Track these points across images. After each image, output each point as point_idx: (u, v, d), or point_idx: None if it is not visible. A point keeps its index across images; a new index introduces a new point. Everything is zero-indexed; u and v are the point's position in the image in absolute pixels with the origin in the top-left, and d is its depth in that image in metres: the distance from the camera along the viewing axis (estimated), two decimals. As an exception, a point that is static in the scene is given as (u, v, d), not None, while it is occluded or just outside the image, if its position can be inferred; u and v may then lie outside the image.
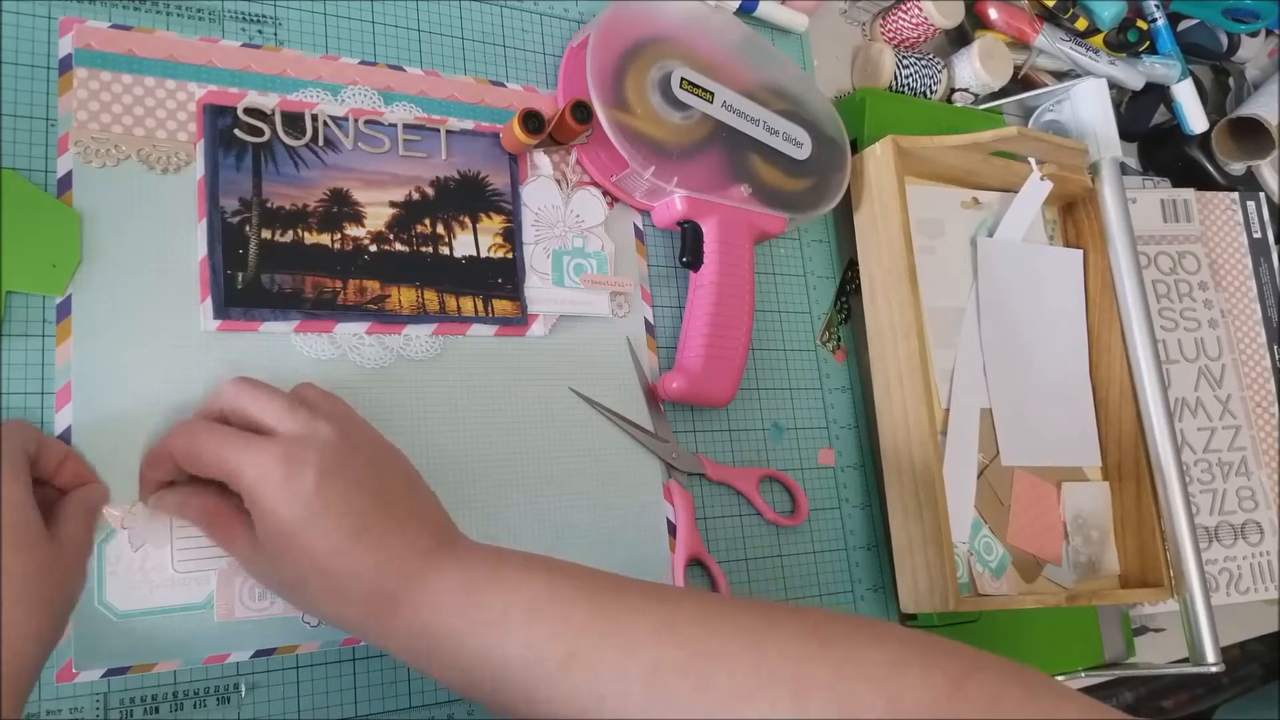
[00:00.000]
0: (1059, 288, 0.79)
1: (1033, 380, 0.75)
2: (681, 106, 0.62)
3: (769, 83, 0.68)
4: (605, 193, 0.64)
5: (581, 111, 0.59)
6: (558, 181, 0.64)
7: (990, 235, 0.76)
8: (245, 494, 0.44)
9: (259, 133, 0.55)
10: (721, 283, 0.63)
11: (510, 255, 0.61)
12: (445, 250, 0.59)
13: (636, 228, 0.67)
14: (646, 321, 0.65)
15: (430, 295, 0.58)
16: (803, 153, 0.67)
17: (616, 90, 0.60)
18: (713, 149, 0.63)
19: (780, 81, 0.69)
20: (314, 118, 0.57)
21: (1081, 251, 0.80)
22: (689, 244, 0.63)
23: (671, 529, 0.62)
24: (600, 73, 0.60)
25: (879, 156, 0.70)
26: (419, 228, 0.59)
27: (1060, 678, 0.74)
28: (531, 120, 0.59)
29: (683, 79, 0.63)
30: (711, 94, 0.63)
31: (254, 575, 0.48)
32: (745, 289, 0.64)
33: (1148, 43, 0.96)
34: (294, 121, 0.56)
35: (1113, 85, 0.89)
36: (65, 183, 0.50)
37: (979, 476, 0.70)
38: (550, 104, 0.65)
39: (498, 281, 0.60)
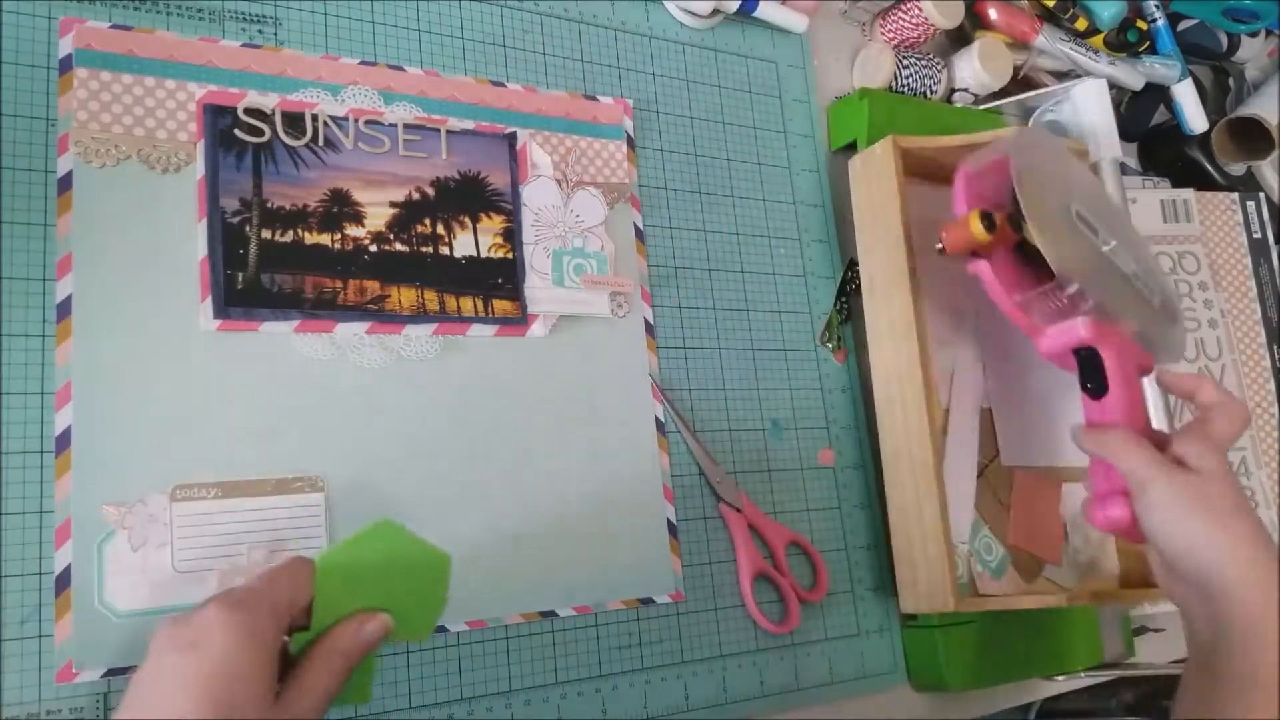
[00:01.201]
0: None
1: (1032, 380, 0.75)
2: (1079, 237, 0.63)
3: (1126, 239, 0.68)
4: (1011, 311, 0.62)
5: (1015, 220, 0.60)
6: (557, 181, 0.64)
7: None
8: None
9: (259, 133, 0.55)
10: (1130, 407, 0.60)
11: (510, 255, 0.61)
12: (445, 250, 0.59)
13: (637, 228, 0.67)
14: (646, 322, 0.65)
15: (430, 295, 0.58)
16: (1156, 302, 0.66)
17: (1039, 211, 0.60)
18: (1106, 286, 0.62)
19: (1132, 237, 0.70)
20: (314, 118, 0.57)
21: None
22: (1090, 370, 0.60)
23: (672, 529, 0.62)
24: (1027, 187, 0.59)
25: (879, 156, 0.70)
26: (419, 228, 0.59)
27: (1060, 678, 0.74)
28: (987, 219, 0.59)
29: (1078, 212, 0.64)
30: (1097, 231, 0.64)
31: None
32: (1142, 414, 0.61)
33: (1148, 43, 0.96)
34: (294, 121, 0.56)
35: (1113, 85, 0.89)
36: (65, 183, 0.50)
37: (979, 477, 0.70)
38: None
39: (498, 281, 0.60)
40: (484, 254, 0.60)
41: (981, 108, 0.86)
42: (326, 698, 0.41)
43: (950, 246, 0.61)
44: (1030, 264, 0.61)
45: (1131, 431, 0.57)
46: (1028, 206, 0.58)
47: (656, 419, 0.64)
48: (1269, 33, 1.09)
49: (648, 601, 0.60)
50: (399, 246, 0.58)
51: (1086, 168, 0.72)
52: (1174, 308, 0.69)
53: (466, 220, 0.60)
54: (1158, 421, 0.78)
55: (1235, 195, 0.95)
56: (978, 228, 0.59)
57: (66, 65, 0.51)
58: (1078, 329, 0.60)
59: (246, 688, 0.37)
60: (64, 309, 0.49)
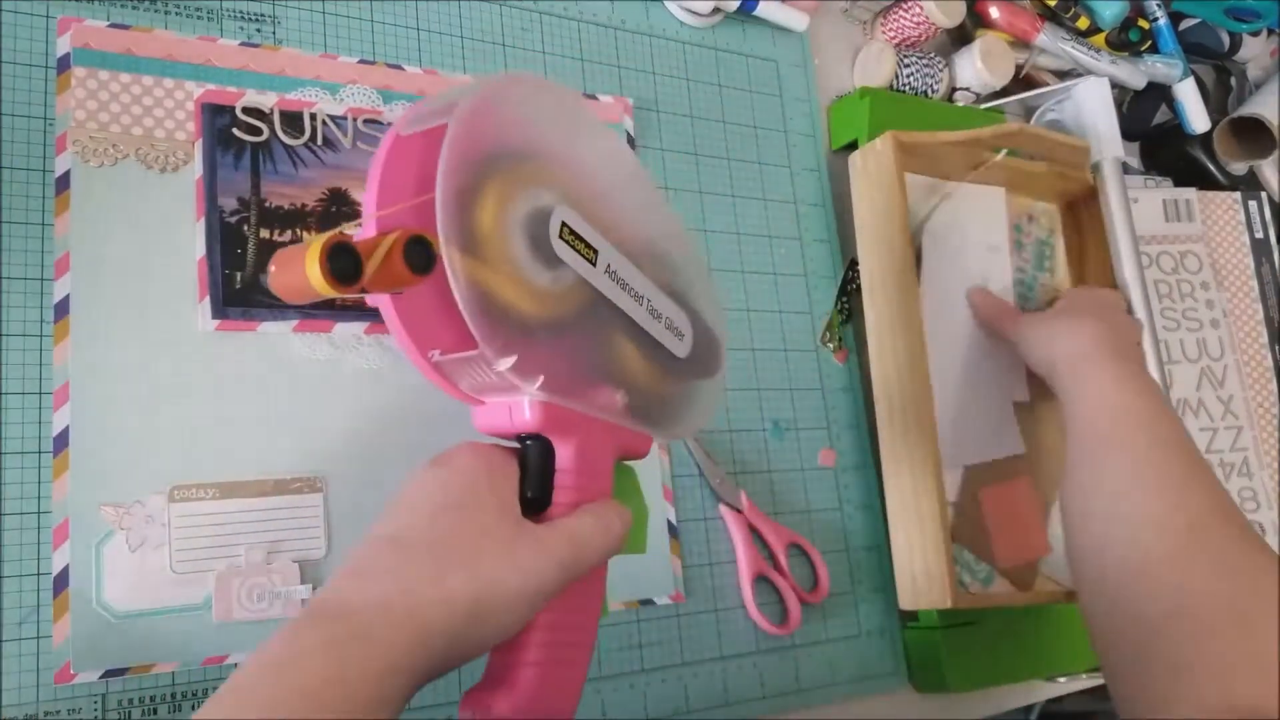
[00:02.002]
0: (983, 251, 0.77)
1: (962, 371, 0.73)
2: (553, 263, 0.40)
3: (653, 243, 0.47)
4: (427, 373, 0.40)
5: (420, 257, 0.36)
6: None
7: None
8: None
9: (257, 132, 0.55)
10: (577, 541, 0.40)
11: (510, 255, 0.61)
12: (444, 250, 0.59)
13: (636, 227, 0.66)
14: (646, 321, 0.65)
15: (429, 295, 0.58)
16: (683, 348, 0.47)
17: (469, 224, 0.37)
18: (581, 333, 0.41)
19: (665, 243, 0.48)
20: (313, 117, 0.57)
21: (1002, 190, 0.79)
22: (535, 472, 0.40)
23: (673, 529, 0.62)
24: (456, 195, 0.37)
25: (879, 152, 0.69)
26: (418, 227, 0.58)
27: (1061, 679, 0.74)
28: (341, 259, 0.34)
29: (564, 224, 0.40)
30: (596, 253, 0.42)
31: None
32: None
33: (1149, 42, 0.96)
34: (293, 121, 0.56)
35: (1114, 85, 0.88)
36: (63, 182, 0.50)
37: (952, 504, 0.69)
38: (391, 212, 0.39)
39: (497, 281, 0.60)
40: (483, 253, 0.60)
41: (983, 107, 0.86)
42: (585, 547, 0.39)
43: (279, 289, 0.34)
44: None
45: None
46: (451, 229, 0.36)
47: (656, 419, 0.64)
48: (1271, 32, 1.09)
49: (648, 603, 0.60)
50: (398, 246, 0.57)
51: (608, 133, 0.48)
52: (713, 355, 0.49)
53: (466, 220, 0.60)
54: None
55: (1237, 195, 0.95)
56: (317, 276, 0.33)
57: (64, 64, 0.51)
58: (522, 412, 0.40)
59: (488, 496, 0.38)
60: (62, 309, 0.49)
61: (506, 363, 0.37)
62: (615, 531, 0.40)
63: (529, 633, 0.39)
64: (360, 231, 0.38)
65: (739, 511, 0.64)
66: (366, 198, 0.39)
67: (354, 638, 0.33)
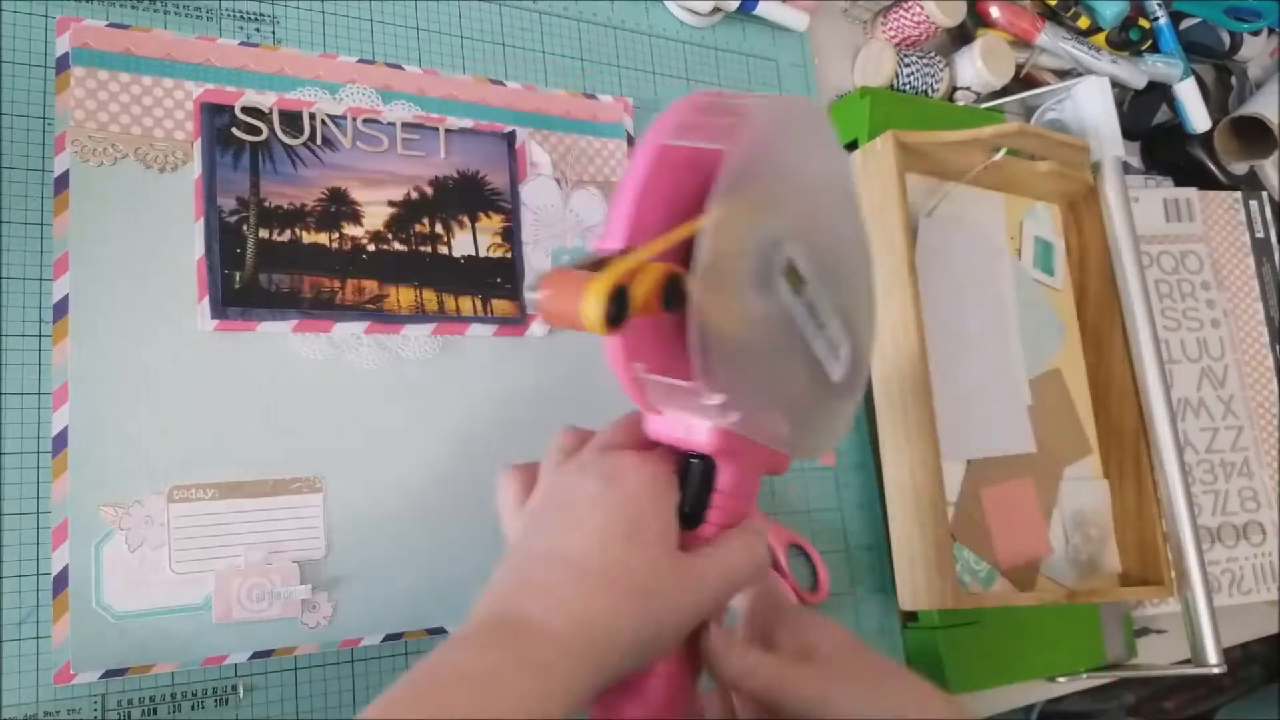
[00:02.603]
0: (985, 251, 0.76)
1: (971, 367, 0.73)
2: (766, 293, 0.39)
3: (841, 263, 0.46)
4: (626, 382, 0.40)
5: (674, 294, 0.36)
6: (557, 180, 0.63)
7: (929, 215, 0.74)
8: None
9: (257, 131, 0.55)
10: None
11: (509, 255, 0.61)
12: (444, 250, 0.59)
13: (636, 227, 0.66)
14: (646, 321, 0.65)
15: (429, 295, 0.58)
16: (838, 371, 0.45)
17: (716, 261, 0.36)
18: (771, 363, 0.41)
19: (852, 263, 0.47)
20: (312, 116, 0.57)
21: (1001, 197, 0.78)
22: (695, 490, 0.42)
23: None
24: (716, 230, 0.36)
25: (880, 152, 0.69)
26: (418, 227, 0.58)
27: (1062, 679, 0.74)
28: (619, 304, 0.34)
29: (789, 261, 0.40)
30: (805, 285, 0.41)
31: None
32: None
33: (1150, 41, 0.96)
34: (292, 120, 0.56)
35: (1115, 84, 0.88)
36: (62, 182, 0.50)
37: (952, 506, 0.69)
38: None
39: (496, 281, 0.60)
40: (483, 253, 0.60)
41: (983, 106, 0.86)
42: (735, 573, 0.40)
43: (547, 315, 0.35)
44: (681, 324, 0.37)
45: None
46: (706, 270, 0.35)
47: (656, 419, 0.64)
48: (1271, 31, 1.09)
49: (647, 602, 0.60)
50: (397, 246, 0.57)
51: (842, 153, 0.47)
52: (859, 376, 0.47)
53: (465, 219, 0.60)
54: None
55: (1238, 194, 0.95)
56: (593, 315, 0.33)
57: (63, 64, 0.51)
58: (700, 433, 0.41)
59: (653, 520, 0.38)
60: (61, 308, 0.49)
61: (716, 399, 0.37)
62: (760, 557, 0.41)
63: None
64: (603, 241, 0.37)
65: None
66: (620, 208, 0.37)
67: (542, 667, 0.34)
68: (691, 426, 0.41)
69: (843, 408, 0.47)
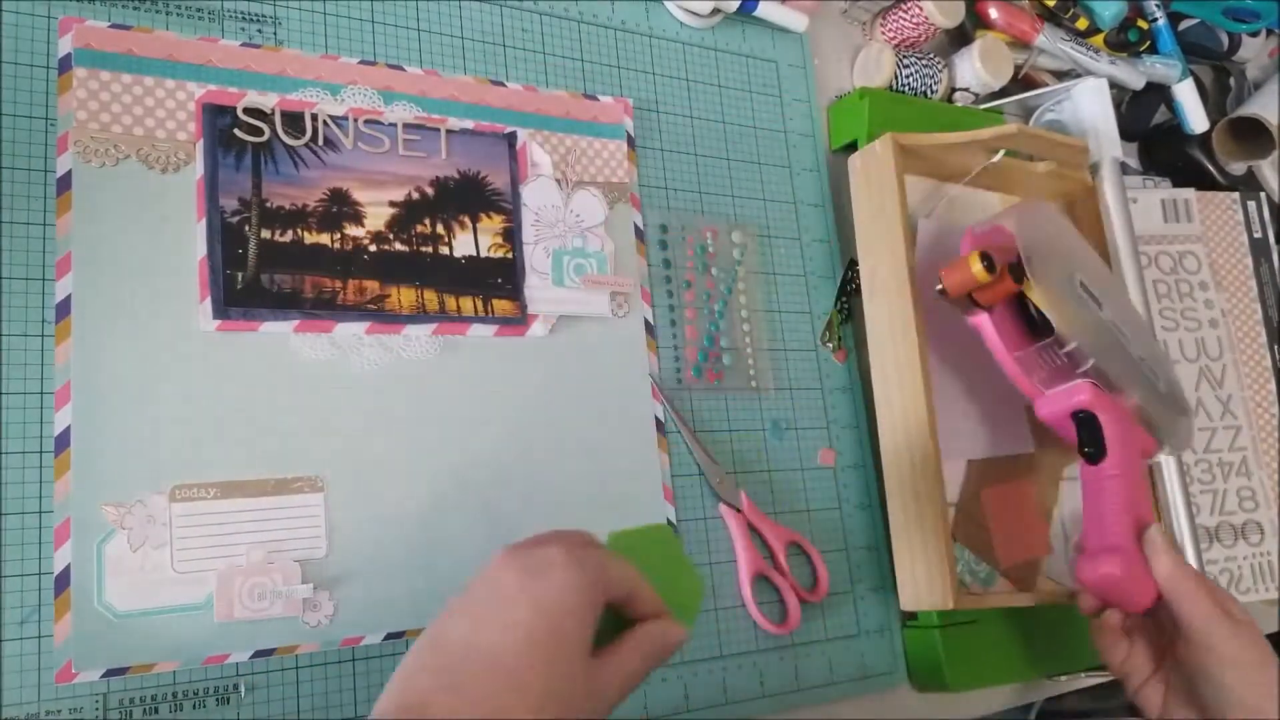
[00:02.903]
0: None
1: (965, 371, 0.73)
2: (1081, 305, 0.63)
3: (1130, 320, 0.69)
4: (1011, 368, 0.62)
5: (1018, 273, 0.59)
6: (557, 181, 0.64)
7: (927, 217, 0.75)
8: None
9: (258, 132, 0.55)
10: (1128, 476, 0.60)
11: (510, 255, 0.61)
12: (445, 250, 0.59)
13: (637, 227, 0.66)
14: (646, 322, 0.65)
15: (430, 295, 0.58)
16: (1162, 388, 0.66)
17: (1040, 272, 0.60)
18: (1107, 354, 0.62)
19: (1137, 321, 0.71)
20: (314, 117, 0.57)
21: (999, 197, 0.79)
22: (1089, 435, 0.60)
23: (673, 529, 0.62)
24: (1031, 246, 0.60)
25: (878, 154, 0.69)
26: (419, 227, 0.58)
27: (1061, 678, 0.74)
28: (986, 259, 0.59)
29: (1081, 282, 0.64)
30: (1101, 305, 0.64)
31: None
32: (1144, 493, 0.61)
33: (1148, 42, 0.96)
34: (294, 121, 0.56)
35: (1113, 85, 0.89)
36: (65, 182, 0.50)
37: (954, 508, 0.69)
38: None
39: (497, 281, 0.60)
40: (484, 254, 0.60)
41: (982, 107, 0.86)
42: (634, 680, 0.41)
43: (950, 287, 0.61)
44: (1029, 325, 0.62)
45: (1194, 573, 0.57)
46: (1029, 258, 0.59)
47: (656, 419, 0.64)
48: (1270, 32, 1.09)
49: (648, 602, 0.60)
50: (399, 246, 0.58)
51: (1093, 251, 0.73)
52: (1182, 399, 0.68)
53: (466, 220, 0.60)
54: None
55: (1236, 195, 0.95)
56: (978, 267, 0.58)
57: (66, 65, 0.51)
58: (1078, 392, 0.59)
59: (574, 626, 0.39)
60: (63, 309, 0.49)
61: (1073, 344, 0.59)
62: (658, 661, 0.43)
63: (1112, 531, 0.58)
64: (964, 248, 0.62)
65: (739, 511, 0.64)
66: (962, 249, 0.62)
67: None
68: (1071, 390, 0.60)
69: (1179, 420, 0.66)
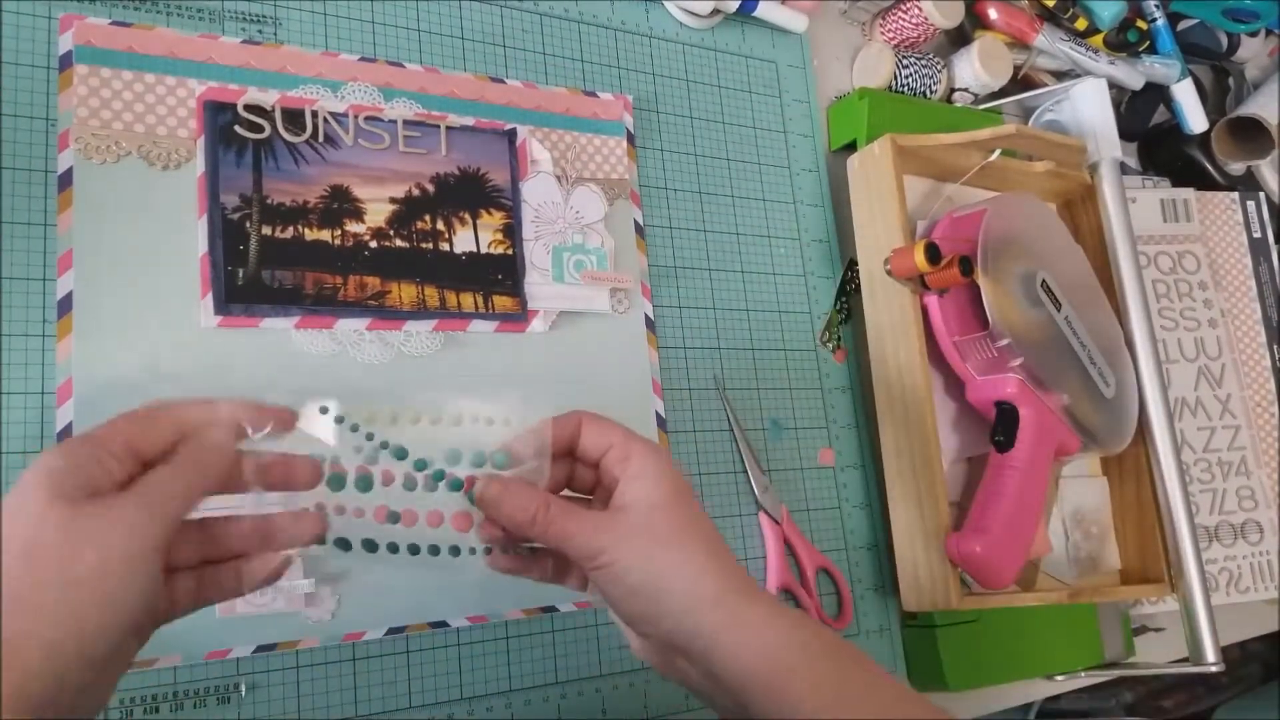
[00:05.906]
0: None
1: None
2: (1035, 303, 0.66)
3: (1096, 324, 0.72)
4: (948, 351, 0.66)
5: (967, 268, 0.62)
6: (557, 177, 0.64)
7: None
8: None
9: (259, 129, 0.55)
10: (1029, 471, 0.63)
11: (510, 251, 0.61)
12: (445, 246, 0.59)
13: (637, 224, 0.67)
14: (647, 318, 0.65)
15: (431, 291, 0.58)
16: (1109, 393, 0.70)
17: (992, 265, 0.64)
18: (1045, 354, 0.65)
19: (1105, 325, 0.74)
20: (314, 114, 0.57)
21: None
22: (1004, 425, 0.64)
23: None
24: (991, 242, 0.64)
25: (877, 155, 0.70)
26: (419, 224, 0.59)
27: (1060, 677, 0.74)
28: (932, 251, 0.62)
29: (1044, 281, 0.67)
30: (1060, 305, 0.68)
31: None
32: (1042, 488, 0.65)
33: (1147, 42, 0.96)
34: (294, 118, 0.56)
35: (1112, 85, 0.89)
36: (65, 180, 0.50)
37: (952, 506, 0.69)
38: None
39: (498, 278, 0.60)
40: (484, 250, 0.60)
41: (981, 108, 0.86)
42: (155, 495, 0.36)
43: (895, 269, 0.64)
44: (980, 314, 0.64)
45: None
46: (983, 255, 0.63)
47: (657, 414, 0.64)
48: (1269, 32, 1.09)
49: (648, 599, 0.60)
50: (399, 243, 0.58)
51: (1079, 252, 0.76)
52: (1128, 405, 0.72)
53: (466, 216, 0.60)
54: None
55: (1235, 195, 0.95)
56: (920, 258, 0.61)
57: (66, 62, 0.51)
58: (1005, 385, 0.64)
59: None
60: (64, 306, 0.49)
61: (1004, 340, 0.62)
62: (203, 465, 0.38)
63: (992, 513, 0.62)
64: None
65: (777, 523, 0.65)
66: (934, 231, 0.68)
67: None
68: (999, 381, 0.64)
69: (1115, 423, 0.70)
